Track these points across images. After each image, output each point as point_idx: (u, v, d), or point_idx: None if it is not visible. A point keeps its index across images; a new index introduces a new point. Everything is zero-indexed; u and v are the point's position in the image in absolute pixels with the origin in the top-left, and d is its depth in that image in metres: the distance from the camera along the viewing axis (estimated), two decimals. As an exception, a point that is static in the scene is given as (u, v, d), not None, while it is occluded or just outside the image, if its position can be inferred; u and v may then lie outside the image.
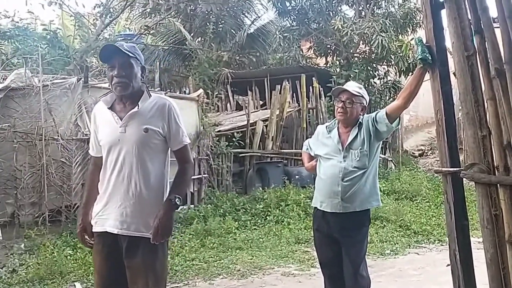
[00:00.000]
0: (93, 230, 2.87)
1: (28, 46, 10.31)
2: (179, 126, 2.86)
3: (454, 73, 2.43)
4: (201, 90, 10.26)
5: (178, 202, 2.76)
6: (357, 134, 3.64)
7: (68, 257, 5.97)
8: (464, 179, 2.45)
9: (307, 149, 4.07)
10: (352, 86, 3.76)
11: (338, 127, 3.77)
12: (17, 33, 10.70)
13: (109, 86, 2.89)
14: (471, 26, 2.34)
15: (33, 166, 6.90)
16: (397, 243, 7.29)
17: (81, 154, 7.24)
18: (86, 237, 2.92)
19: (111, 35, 13.71)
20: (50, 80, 7.36)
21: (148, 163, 2.77)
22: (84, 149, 7.26)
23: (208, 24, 14.46)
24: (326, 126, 3.90)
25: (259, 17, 16.57)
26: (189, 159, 2.94)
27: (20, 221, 6.78)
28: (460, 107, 2.38)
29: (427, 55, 2.63)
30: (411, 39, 13.34)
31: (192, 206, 8.88)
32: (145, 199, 2.76)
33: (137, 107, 2.78)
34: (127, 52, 2.75)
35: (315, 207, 3.81)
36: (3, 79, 7.25)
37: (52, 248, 6.12)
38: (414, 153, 16.82)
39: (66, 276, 5.47)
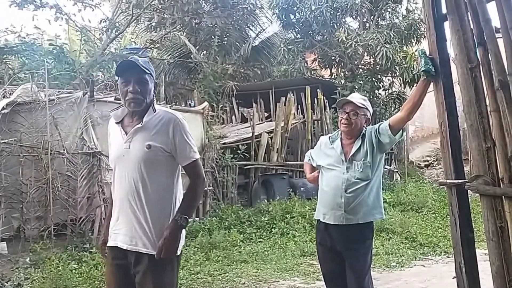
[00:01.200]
0: (107, 244, 2.89)
1: (34, 61, 10.40)
2: (186, 141, 2.78)
3: (458, 83, 2.43)
4: (206, 103, 10.31)
5: (183, 223, 2.72)
6: (361, 145, 3.63)
7: (73, 271, 5.95)
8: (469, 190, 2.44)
9: (309, 159, 4.06)
10: (357, 98, 3.76)
11: (341, 138, 3.76)
12: (24, 48, 10.79)
13: (121, 100, 2.86)
14: (474, 38, 2.34)
15: (38, 180, 6.92)
16: (403, 255, 7.24)
17: (86, 168, 7.26)
18: (106, 250, 2.94)
19: (117, 49, 13.82)
20: (56, 95, 7.41)
21: (152, 179, 2.73)
22: (90, 163, 7.29)
23: (213, 37, 14.54)
24: (329, 137, 3.89)
25: (263, 29, 16.64)
26: (200, 174, 2.85)
27: (26, 235, 6.79)
28: (464, 118, 2.37)
29: (431, 67, 2.63)
30: (416, 50, 13.35)
31: (197, 219, 8.87)
32: (150, 215, 2.72)
33: (141, 122, 2.76)
34: (143, 68, 2.74)
35: (318, 220, 3.79)
36: (10, 94, 7.30)
37: (58, 262, 6.10)
38: (420, 164, 16.78)
39: (71, 290, 5.47)
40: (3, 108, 6.71)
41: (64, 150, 7.12)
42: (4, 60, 11.06)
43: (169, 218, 2.75)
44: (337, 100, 3.87)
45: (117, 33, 12.46)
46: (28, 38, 11.47)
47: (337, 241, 3.63)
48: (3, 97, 7.20)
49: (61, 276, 5.63)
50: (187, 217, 2.75)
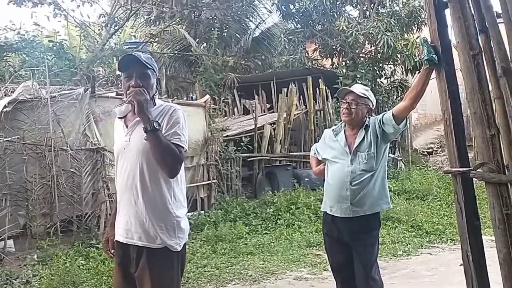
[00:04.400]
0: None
1: (35, 58, 10.38)
2: (176, 128, 2.70)
3: (460, 70, 2.41)
4: (207, 96, 10.29)
5: (153, 125, 2.59)
6: (364, 136, 3.63)
7: (81, 267, 5.99)
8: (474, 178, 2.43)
9: (315, 153, 4.05)
10: (358, 88, 3.78)
11: (344, 130, 3.76)
12: (24, 45, 10.77)
13: (123, 95, 2.85)
14: (476, 24, 2.32)
15: (43, 177, 6.92)
16: (409, 244, 7.25)
17: (90, 164, 7.28)
18: (109, 247, 2.95)
19: (117, 44, 13.79)
20: (58, 91, 7.39)
21: (150, 171, 2.69)
22: (93, 158, 7.31)
23: (212, 29, 14.51)
24: (333, 130, 3.90)
25: (263, 20, 16.60)
26: (182, 154, 2.71)
27: (32, 232, 6.80)
28: (468, 105, 2.36)
29: (434, 55, 2.60)
30: (417, 38, 13.29)
31: (202, 212, 8.90)
32: (146, 208, 2.70)
33: None
34: (145, 63, 2.74)
35: (325, 212, 3.80)
36: (11, 91, 7.30)
37: (65, 258, 6.14)
38: (423, 152, 16.77)
39: (79, 286, 5.49)
40: (5, 106, 6.69)
41: (67, 146, 7.12)
42: (5, 58, 11.06)
43: (167, 212, 2.72)
44: (339, 89, 3.86)
45: (116, 28, 12.44)
46: (27, 35, 11.45)
47: (344, 232, 3.65)
48: (5, 95, 7.20)
49: (69, 272, 5.67)
50: (155, 127, 2.60)
